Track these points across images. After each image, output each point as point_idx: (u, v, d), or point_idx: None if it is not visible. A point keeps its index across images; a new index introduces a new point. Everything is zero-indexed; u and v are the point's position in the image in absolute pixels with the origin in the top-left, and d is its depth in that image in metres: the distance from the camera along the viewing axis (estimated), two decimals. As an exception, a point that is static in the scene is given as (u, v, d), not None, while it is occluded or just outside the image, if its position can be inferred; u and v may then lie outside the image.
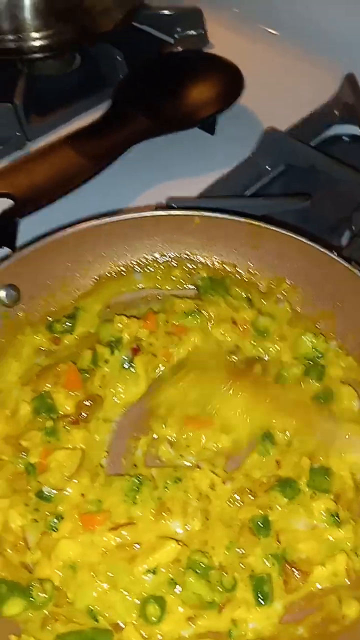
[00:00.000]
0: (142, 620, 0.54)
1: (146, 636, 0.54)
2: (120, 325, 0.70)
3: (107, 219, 0.72)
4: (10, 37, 1.04)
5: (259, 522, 0.57)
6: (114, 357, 0.68)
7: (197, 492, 0.59)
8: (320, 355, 0.67)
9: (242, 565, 0.56)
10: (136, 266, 0.75)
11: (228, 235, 0.71)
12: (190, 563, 0.56)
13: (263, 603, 0.55)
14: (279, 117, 0.99)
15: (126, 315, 0.72)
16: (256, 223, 0.67)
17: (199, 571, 0.55)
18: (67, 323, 0.72)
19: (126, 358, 0.68)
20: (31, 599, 0.54)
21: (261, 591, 0.55)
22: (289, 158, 0.91)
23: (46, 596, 0.55)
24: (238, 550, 0.57)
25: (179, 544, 0.56)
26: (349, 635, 0.53)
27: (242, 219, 0.68)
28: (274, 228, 0.67)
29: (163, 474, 0.61)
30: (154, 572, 0.56)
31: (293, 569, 0.56)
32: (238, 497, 0.59)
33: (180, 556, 0.56)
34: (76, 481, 0.61)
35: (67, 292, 0.74)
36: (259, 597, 0.55)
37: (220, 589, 0.55)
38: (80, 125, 0.99)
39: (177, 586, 0.55)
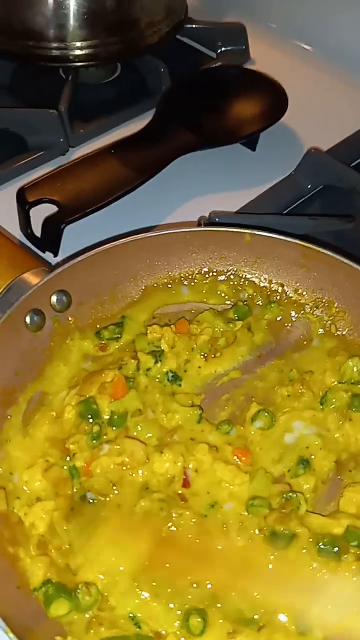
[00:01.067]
0: (184, 632, 0.55)
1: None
2: (156, 335, 0.72)
3: (158, 232, 0.74)
4: (55, 44, 1.07)
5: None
6: (157, 367, 0.70)
7: None
8: None
9: None
10: (183, 279, 0.76)
11: (278, 255, 0.73)
12: None
13: (303, 631, 0.55)
14: (319, 137, 1.01)
15: (159, 324, 0.74)
16: (309, 245, 0.69)
17: None
18: (114, 331, 0.73)
19: (171, 373, 0.70)
20: (77, 601, 0.56)
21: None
22: (330, 178, 0.93)
23: (91, 599, 0.56)
24: None
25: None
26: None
27: (295, 240, 0.70)
28: (326, 251, 0.68)
29: None
30: (197, 585, 0.57)
31: None
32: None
33: None
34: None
35: (115, 301, 0.75)
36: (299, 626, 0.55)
37: (262, 609, 0.56)
38: (122, 134, 1.01)
39: (219, 601, 0.56)
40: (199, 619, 0.55)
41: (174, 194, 0.96)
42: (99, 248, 0.71)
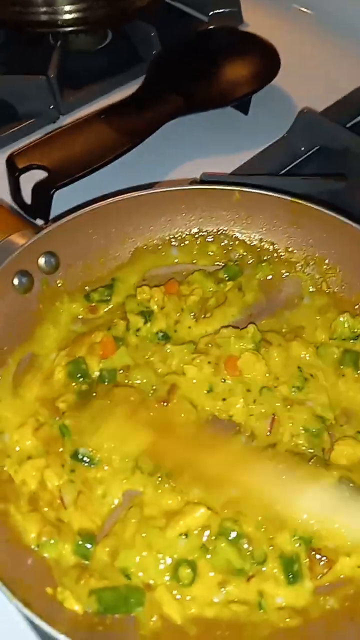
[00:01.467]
0: (174, 582, 0.55)
1: (178, 597, 0.55)
2: (145, 295, 0.71)
3: (147, 191, 0.73)
4: (43, 9, 1.05)
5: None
6: (146, 327, 0.70)
7: None
8: (356, 338, 0.68)
9: (271, 546, 0.57)
10: (173, 240, 0.76)
11: (268, 213, 0.72)
12: (222, 530, 0.57)
13: (293, 582, 0.55)
14: (313, 98, 0.98)
15: (148, 286, 0.73)
16: (299, 201, 0.68)
17: (229, 537, 0.56)
18: (104, 293, 0.73)
19: (161, 333, 0.69)
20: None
21: (291, 571, 0.55)
22: (323, 139, 0.91)
23: (90, 547, 0.57)
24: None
25: (208, 510, 0.57)
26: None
27: (285, 197, 0.69)
28: (317, 207, 0.67)
29: None
30: (186, 536, 0.57)
31: (318, 556, 0.56)
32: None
33: (211, 523, 0.57)
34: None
35: (104, 263, 0.74)
36: (289, 576, 0.55)
37: (251, 561, 0.56)
38: (113, 101, 1.00)
39: (208, 553, 0.56)
40: (188, 570, 0.55)
41: (165, 158, 0.95)
42: (86, 208, 0.71)
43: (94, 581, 0.55)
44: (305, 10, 1.22)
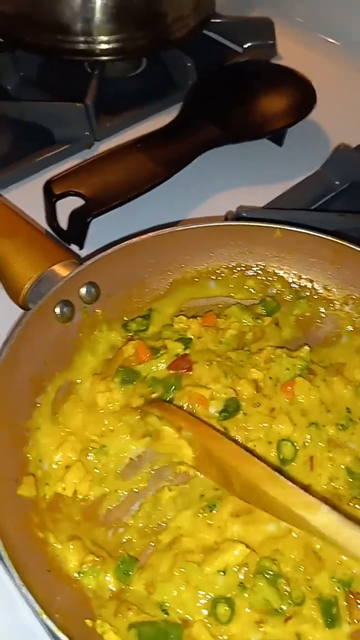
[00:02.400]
0: (212, 620, 0.56)
1: (215, 635, 0.56)
2: (182, 325, 0.72)
3: (188, 226, 0.74)
4: (82, 38, 1.07)
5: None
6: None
7: None
8: None
9: (310, 587, 0.57)
10: (211, 273, 0.77)
11: (308, 251, 0.73)
12: (260, 568, 0.57)
13: (331, 625, 0.55)
14: (348, 133, 1.00)
15: (185, 316, 0.74)
16: (339, 241, 0.69)
17: (268, 576, 0.56)
18: (142, 323, 0.74)
19: None
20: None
21: (329, 614, 0.55)
22: (357, 175, 0.93)
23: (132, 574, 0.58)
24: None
25: (247, 548, 0.58)
26: None
27: (327, 236, 0.70)
28: (357, 248, 0.68)
29: None
30: (224, 573, 0.57)
31: (357, 600, 0.56)
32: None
33: (249, 561, 0.58)
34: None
35: (143, 294, 0.75)
36: (327, 619, 0.55)
37: (289, 601, 0.56)
38: (148, 128, 1.02)
39: (246, 592, 0.57)
40: (226, 607, 0.55)
41: (199, 189, 0.96)
42: (127, 241, 0.72)
43: (132, 615, 0.55)
44: (336, 42, 1.23)
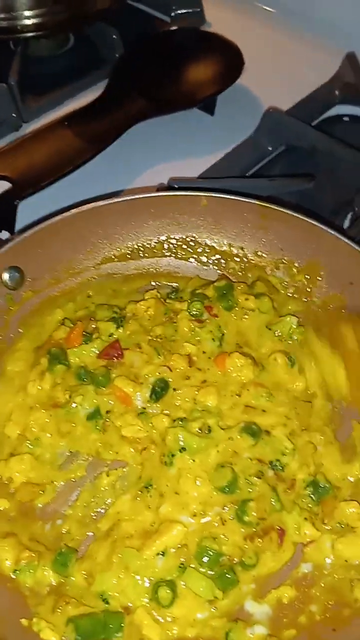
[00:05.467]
0: (154, 604, 0.54)
1: (159, 618, 0.54)
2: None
3: (111, 200, 0.71)
4: (2, 15, 1.02)
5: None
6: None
7: None
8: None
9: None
10: (141, 249, 0.74)
11: (236, 217, 0.70)
12: (200, 549, 0.55)
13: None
14: (278, 98, 0.97)
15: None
16: (266, 204, 0.66)
17: (206, 559, 0.55)
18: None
19: None
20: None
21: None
22: (290, 138, 0.90)
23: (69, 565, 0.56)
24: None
25: (185, 527, 0.56)
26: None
27: (252, 200, 0.67)
28: (284, 210, 0.66)
29: None
30: (163, 555, 0.55)
31: None
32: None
33: (189, 542, 0.56)
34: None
35: (72, 274, 0.72)
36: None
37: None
38: (77, 106, 0.98)
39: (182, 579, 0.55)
40: (168, 590, 0.53)
41: (132, 163, 0.93)
42: (49, 220, 0.69)
43: (71, 608, 0.53)
44: (267, 8, 1.20)
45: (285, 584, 0.55)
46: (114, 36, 1.07)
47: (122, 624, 0.52)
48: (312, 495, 0.58)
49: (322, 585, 0.55)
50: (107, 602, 0.54)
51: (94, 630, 0.51)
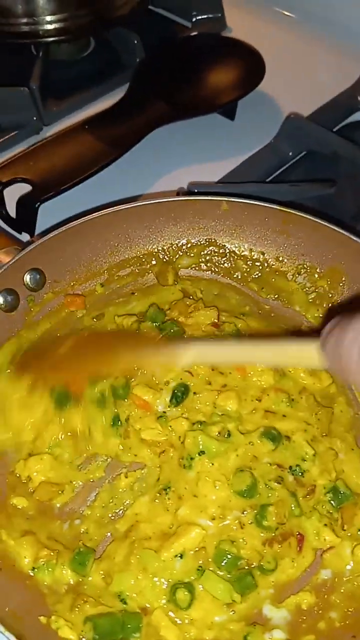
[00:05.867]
0: (172, 606, 0.54)
1: (176, 619, 0.54)
2: None
3: (133, 204, 0.72)
4: (24, 20, 1.03)
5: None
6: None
7: None
8: None
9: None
10: (161, 252, 0.74)
11: (257, 222, 0.70)
12: (219, 552, 0.55)
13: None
14: (299, 103, 0.98)
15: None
16: (286, 210, 0.67)
17: (224, 562, 0.55)
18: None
19: None
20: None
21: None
22: (311, 144, 0.90)
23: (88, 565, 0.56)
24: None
25: (203, 530, 0.56)
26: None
27: (273, 205, 0.68)
28: (304, 215, 0.66)
29: None
30: (181, 557, 0.55)
31: None
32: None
33: (207, 544, 0.56)
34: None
35: (91, 276, 0.73)
36: None
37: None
38: (98, 110, 0.98)
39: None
40: (186, 592, 0.53)
41: (152, 167, 0.94)
42: (71, 223, 0.69)
43: (89, 607, 0.53)
44: (287, 13, 1.21)
45: (305, 590, 0.55)
46: (135, 41, 1.07)
47: (140, 625, 0.53)
48: (332, 502, 0.58)
49: (342, 591, 0.55)
50: (125, 603, 0.54)
51: (112, 630, 0.52)
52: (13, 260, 0.66)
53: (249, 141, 0.94)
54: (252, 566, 0.55)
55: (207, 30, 1.14)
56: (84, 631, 0.52)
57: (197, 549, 0.55)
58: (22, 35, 1.04)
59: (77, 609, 0.53)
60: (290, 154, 0.91)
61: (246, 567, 0.55)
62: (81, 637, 0.52)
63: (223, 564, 0.54)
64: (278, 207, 0.68)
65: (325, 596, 0.55)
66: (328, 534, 0.56)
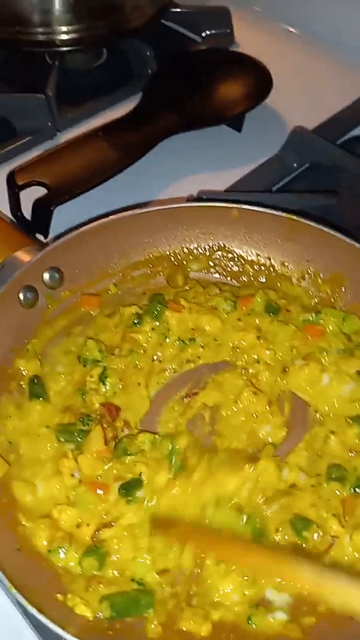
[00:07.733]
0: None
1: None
2: None
3: (147, 209, 0.75)
4: (42, 29, 1.07)
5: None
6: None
7: None
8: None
9: None
10: (172, 255, 0.78)
11: (265, 229, 0.74)
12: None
13: None
14: (304, 117, 1.02)
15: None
16: (294, 218, 0.71)
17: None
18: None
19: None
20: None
21: None
22: (314, 156, 0.95)
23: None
24: None
25: None
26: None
27: (281, 213, 0.72)
28: (310, 223, 0.70)
29: None
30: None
31: None
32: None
33: None
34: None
35: (105, 277, 0.77)
36: None
37: None
38: (109, 118, 1.02)
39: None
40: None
41: (162, 175, 0.97)
42: (89, 225, 0.73)
43: (103, 587, 0.56)
44: (293, 30, 1.25)
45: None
46: (147, 52, 1.12)
47: (153, 601, 0.56)
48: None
49: None
50: (142, 584, 0.57)
51: (127, 607, 0.55)
52: (35, 259, 0.69)
53: (255, 152, 0.98)
54: None
55: (216, 45, 1.19)
56: (101, 609, 0.55)
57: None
58: (39, 44, 1.08)
59: (92, 589, 0.56)
60: (295, 165, 0.96)
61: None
62: (97, 614, 0.55)
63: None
64: (286, 215, 0.72)
65: (325, 581, 0.58)
66: (335, 524, 0.59)
